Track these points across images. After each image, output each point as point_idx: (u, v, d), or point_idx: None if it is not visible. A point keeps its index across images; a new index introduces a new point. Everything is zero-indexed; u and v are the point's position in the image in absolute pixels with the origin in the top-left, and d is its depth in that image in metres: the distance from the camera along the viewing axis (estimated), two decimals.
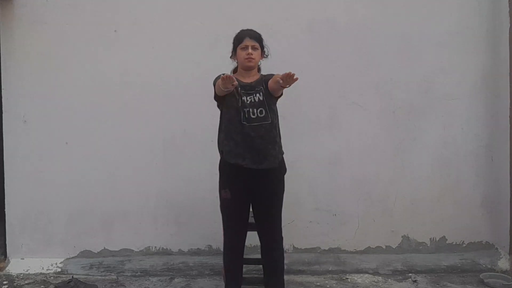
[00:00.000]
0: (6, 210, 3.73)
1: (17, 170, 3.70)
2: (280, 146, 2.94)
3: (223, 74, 2.62)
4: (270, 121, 2.82)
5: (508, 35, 3.64)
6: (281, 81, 2.57)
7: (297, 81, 3.59)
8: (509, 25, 3.63)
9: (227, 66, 3.67)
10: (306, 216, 3.78)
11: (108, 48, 3.69)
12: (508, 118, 3.65)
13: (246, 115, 2.79)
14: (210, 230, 3.62)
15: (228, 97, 2.80)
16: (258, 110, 2.80)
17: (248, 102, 2.81)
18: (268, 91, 2.84)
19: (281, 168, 2.97)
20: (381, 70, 3.75)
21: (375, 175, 3.79)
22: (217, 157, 3.20)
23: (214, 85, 2.86)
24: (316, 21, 3.72)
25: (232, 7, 3.70)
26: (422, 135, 3.79)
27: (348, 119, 3.76)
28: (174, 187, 3.74)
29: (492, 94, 3.77)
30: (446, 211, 3.80)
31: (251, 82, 2.88)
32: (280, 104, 3.43)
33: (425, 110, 3.78)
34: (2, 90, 3.67)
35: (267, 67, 3.67)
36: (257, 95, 2.83)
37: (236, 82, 2.63)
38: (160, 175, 3.74)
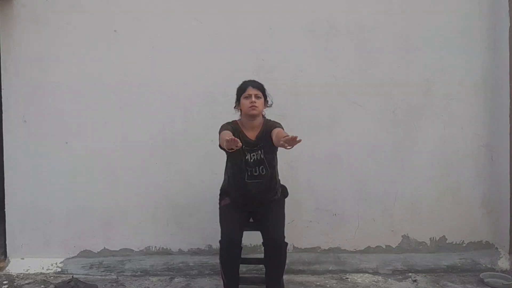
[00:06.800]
0: (6, 210, 3.72)
1: (17, 170, 3.70)
2: (279, 183, 3.12)
3: (228, 137, 2.59)
4: (269, 175, 2.99)
5: (508, 35, 3.64)
6: (287, 146, 2.55)
7: (297, 81, 3.67)
8: (509, 25, 3.63)
9: (226, 66, 3.69)
10: (306, 216, 3.78)
11: (108, 48, 3.69)
12: (508, 118, 3.65)
13: (249, 173, 2.95)
14: (210, 230, 3.61)
15: (233, 153, 2.86)
16: (260, 168, 2.96)
17: (251, 160, 2.95)
18: (270, 142, 2.90)
19: (281, 197, 3.16)
20: (381, 70, 3.74)
21: (375, 175, 3.78)
22: (217, 156, 3.21)
23: (220, 133, 2.92)
24: (316, 21, 3.72)
25: (232, 7, 3.69)
26: (422, 135, 3.78)
27: (348, 119, 3.76)
28: (174, 187, 3.74)
29: (492, 94, 3.77)
30: (446, 211, 3.80)
31: (254, 139, 2.97)
32: (280, 104, 3.43)
33: (425, 110, 3.78)
34: (2, 90, 3.67)
35: (268, 68, 3.69)
36: (259, 152, 2.95)
37: (240, 144, 2.62)
38: (160, 175, 3.74)
